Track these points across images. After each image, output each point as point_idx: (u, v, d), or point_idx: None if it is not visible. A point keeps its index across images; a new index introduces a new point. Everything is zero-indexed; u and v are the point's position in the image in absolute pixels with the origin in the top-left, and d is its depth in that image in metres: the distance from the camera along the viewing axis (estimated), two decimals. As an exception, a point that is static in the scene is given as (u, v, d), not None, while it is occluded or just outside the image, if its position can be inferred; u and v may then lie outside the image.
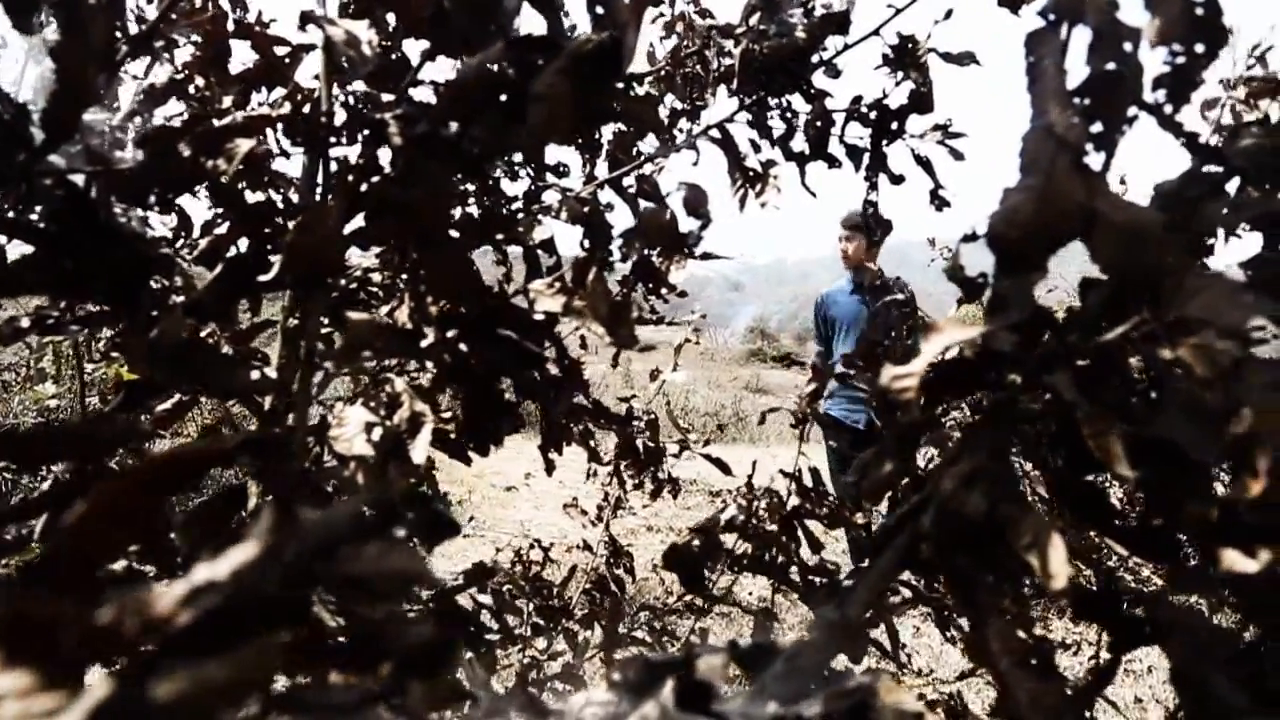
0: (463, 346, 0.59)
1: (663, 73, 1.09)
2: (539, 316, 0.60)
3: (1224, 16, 0.41)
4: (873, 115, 0.82)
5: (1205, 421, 0.38)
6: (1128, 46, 0.42)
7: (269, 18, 1.15)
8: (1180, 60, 0.41)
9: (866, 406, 4.09)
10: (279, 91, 0.78)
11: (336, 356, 0.55)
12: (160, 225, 1.16)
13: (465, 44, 0.54)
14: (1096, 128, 0.44)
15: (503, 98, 0.52)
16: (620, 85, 0.52)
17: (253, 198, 0.95)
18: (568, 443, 0.99)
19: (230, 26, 0.74)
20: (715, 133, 0.85)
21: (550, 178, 1.09)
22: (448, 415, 0.75)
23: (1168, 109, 0.42)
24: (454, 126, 0.55)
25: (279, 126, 0.59)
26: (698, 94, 1.03)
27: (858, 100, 0.90)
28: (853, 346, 4.28)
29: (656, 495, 1.27)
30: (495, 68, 0.53)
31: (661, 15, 1.30)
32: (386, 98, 0.58)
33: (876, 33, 0.82)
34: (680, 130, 1.12)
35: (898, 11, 0.83)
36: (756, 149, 0.86)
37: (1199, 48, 0.41)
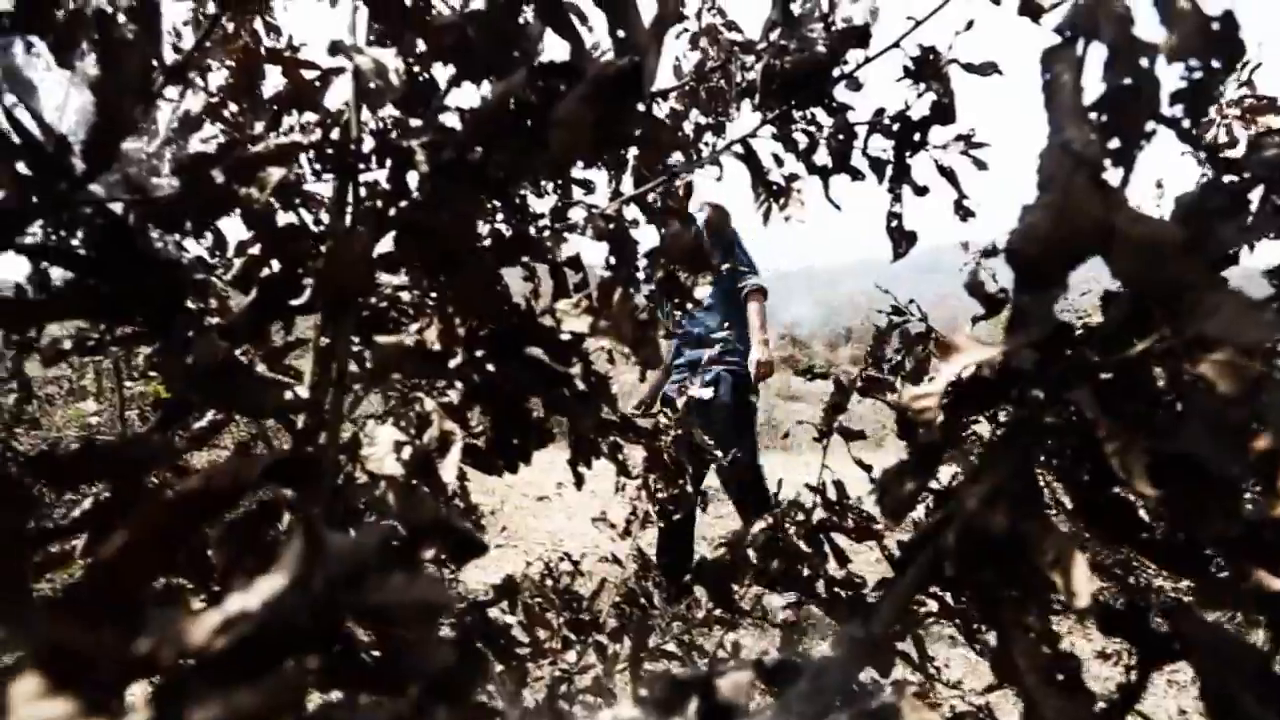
0: (490, 367, 0.60)
1: (687, 88, 1.10)
2: (565, 336, 0.61)
3: (1240, 31, 0.41)
4: (895, 127, 0.83)
5: (1229, 437, 0.38)
6: (1144, 62, 0.42)
7: (301, 41, 1.17)
8: (1197, 75, 0.41)
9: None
10: (310, 116, 0.80)
11: (364, 379, 0.56)
12: (197, 245, 1.19)
13: (489, 70, 0.55)
14: (1114, 143, 0.44)
15: (527, 122, 0.53)
16: (641, 108, 0.52)
17: (284, 218, 0.97)
18: (596, 456, 0.99)
19: (262, 53, 0.76)
20: (738, 148, 0.85)
21: (578, 194, 1.10)
22: (479, 430, 0.76)
23: (1185, 123, 0.42)
24: (478, 151, 0.56)
25: (309, 153, 0.61)
26: (722, 109, 1.04)
27: (880, 113, 0.90)
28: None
29: (680, 507, 1.27)
30: (520, 92, 0.54)
31: (686, 30, 1.32)
32: (415, 123, 0.59)
33: (897, 45, 0.82)
34: (705, 145, 1.12)
35: (918, 23, 0.83)
36: (779, 163, 0.87)
37: (1215, 63, 0.41)
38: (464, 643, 0.26)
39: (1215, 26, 0.41)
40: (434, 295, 0.59)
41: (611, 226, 0.79)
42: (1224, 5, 0.43)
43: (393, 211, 0.59)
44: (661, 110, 1.12)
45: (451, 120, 0.66)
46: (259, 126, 0.75)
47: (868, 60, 0.80)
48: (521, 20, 0.58)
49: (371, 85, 0.59)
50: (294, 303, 0.60)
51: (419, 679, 0.24)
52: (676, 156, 1.13)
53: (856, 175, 0.85)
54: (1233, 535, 0.37)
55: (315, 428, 0.73)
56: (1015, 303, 0.46)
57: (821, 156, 0.83)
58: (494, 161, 0.55)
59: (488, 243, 0.58)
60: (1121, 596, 0.49)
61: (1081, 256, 0.43)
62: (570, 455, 1.03)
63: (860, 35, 0.77)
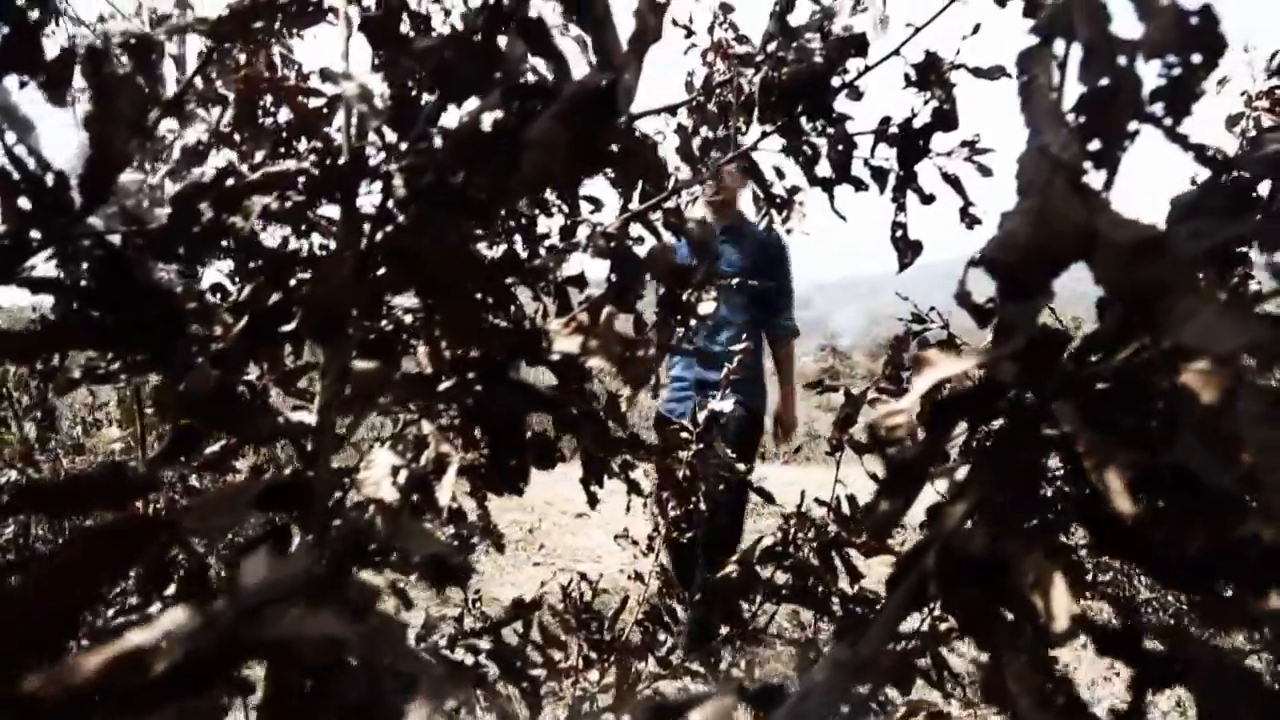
0: (480, 389, 0.59)
1: (695, 103, 1.09)
2: (555, 357, 0.60)
3: (1220, 25, 0.39)
4: (898, 135, 0.81)
5: (1220, 447, 0.36)
6: (1122, 60, 0.41)
7: (324, 68, 1.19)
8: (1176, 71, 0.40)
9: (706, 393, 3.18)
10: (314, 143, 0.81)
11: (342, 407, 0.56)
12: (217, 271, 1.21)
13: (470, 92, 0.55)
14: (1095, 145, 0.43)
15: (506, 144, 0.53)
16: (621, 127, 0.52)
17: (293, 244, 0.98)
18: (609, 475, 0.99)
19: (262, 83, 0.77)
20: (740, 161, 0.85)
21: (588, 209, 1.10)
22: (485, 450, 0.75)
23: (1168, 121, 0.41)
24: (460, 175, 0.56)
25: (301, 181, 0.61)
26: (732, 122, 1.03)
27: (886, 121, 0.89)
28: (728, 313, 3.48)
29: (692, 525, 1.26)
30: (500, 114, 0.54)
31: (695, 45, 1.31)
32: (405, 147, 0.60)
33: (897, 53, 0.81)
34: (715, 158, 1.12)
35: (917, 30, 0.82)
36: (781, 175, 0.86)
37: (1195, 58, 0.40)
38: (373, 679, 0.25)
39: (1194, 21, 0.39)
40: (422, 320, 0.59)
41: (613, 245, 0.78)
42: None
43: (380, 236, 0.59)
44: (670, 125, 1.12)
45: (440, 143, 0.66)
46: (259, 156, 0.76)
47: (868, 69, 0.79)
48: (502, 41, 0.58)
49: (356, 111, 0.60)
50: (285, 329, 0.60)
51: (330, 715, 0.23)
52: (686, 171, 1.12)
53: (860, 186, 0.83)
54: (1222, 551, 0.35)
55: (320, 451, 0.73)
56: (1000, 312, 0.45)
57: (824, 168, 0.82)
58: (474, 184, 0.55)
59: (474, 267, 0.58)
60: (1125, 617, 0.47)
61: (1063, 263, 0.42)
62: (582, 474, 1.03)
63: (858, 44, 0.76)
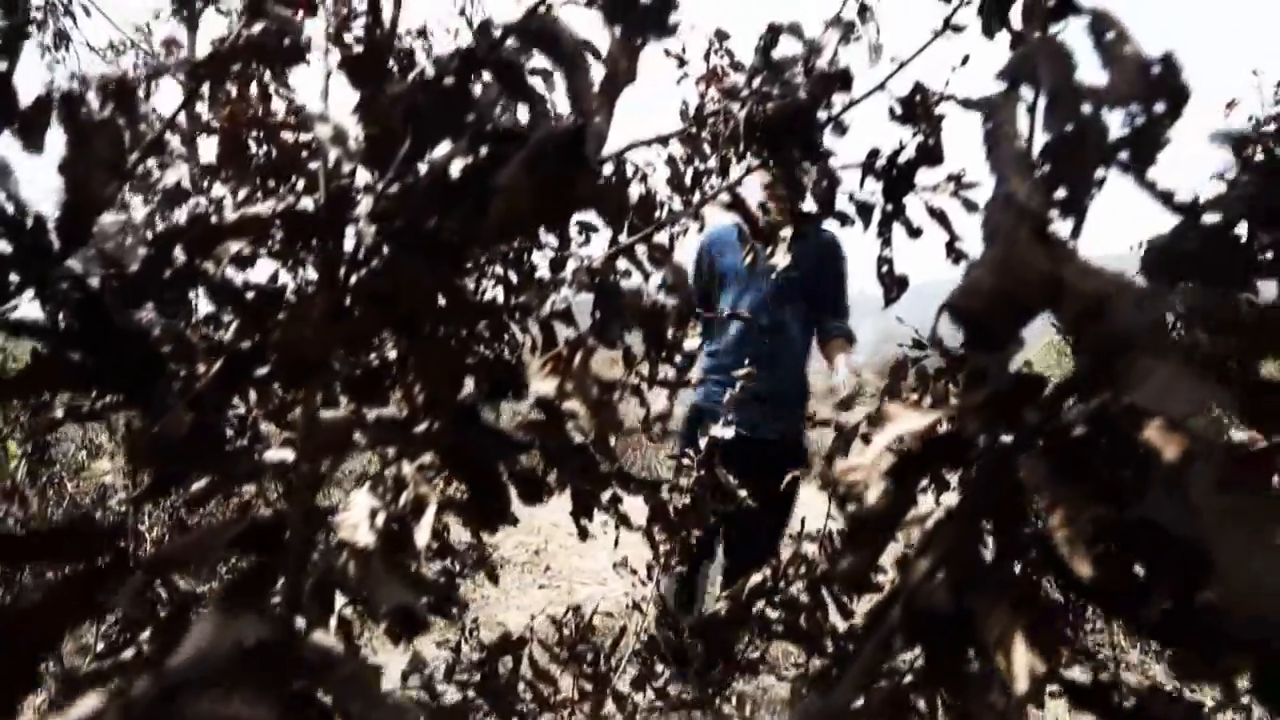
0: (456, 431, 0.59)
1: (687, 133, 1.09)
2: (530, 399, 0.60)
3: (1182, 75, 0.39)
4: (884, 170, 0.81)
5: (1183, 506, 0.36)
6: (1087, 107, 0.41)
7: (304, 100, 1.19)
8: (1140, 120, 0.39)
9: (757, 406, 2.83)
10: (297, 181, 0.81)
11: (306, 454, 0.56)
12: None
13: (440, 137, 0.55)
14: (1062, 193, 0.42)
15: (478, 188, 0.53)
16: (592, 171, 0.52)
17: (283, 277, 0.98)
18: (599, 509, 0.98)
19: (245, 121, 0.78)
20: (725, 196, 0.85)
21: (579, 240, 1.10)
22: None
23: (1136, 168, 0.40)
24: (434, 218, 0.56)
25: (278, 223, 0.61)
26: (723, 153, 1.03)
27: (875, 154, 0.89)
28: (749, 307, 2.98)
29: (684, 561, 1.25)
30: (471, 159, 0.54)
31: (686, 75, 1.32)
32: (384, 188, 0.60)
33: (882, 87, 0.81)
34: (711, 188, 1.12)
35: (902, 65, 0.82)
36: (766, 210, 0.86)
37: (1159, 107, 0.39)
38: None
39: (1156, 70, 0.39)
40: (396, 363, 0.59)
41: (596, 279, 0.78)
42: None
43: (356, 278, 0.59)
44: (662, 156, 1.12)
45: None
46: (242, 194, 0.77)
47: (853, 103, 0.79)
48: (479, 84, 0.58)
49: (331, 154, 0.60)
50: (259, 371, 0.60)
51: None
52: (676, 204, 1.12)
53: (845, 220, 0.83)
54: (1186, 609, 0.35)
55: (304, 489, 0.73)
56: (970, 361, 0.44)
57: (809, 203, 0.82)
58: (447, 228, 0.55)
59: (447, 310, 0.58)
60: (1096, 672, 0.47)
61: (1030, 312, 0.41)
62: (571, 508, 1.02)
63: (842, 79, 0.76)
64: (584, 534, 1.03)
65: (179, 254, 0.56)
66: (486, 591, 4.92)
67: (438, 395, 0.57)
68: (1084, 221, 0.42)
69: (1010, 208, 0.41)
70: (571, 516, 1.03)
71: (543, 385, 0.60)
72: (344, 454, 0.57)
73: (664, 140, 1.14)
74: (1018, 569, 0.44)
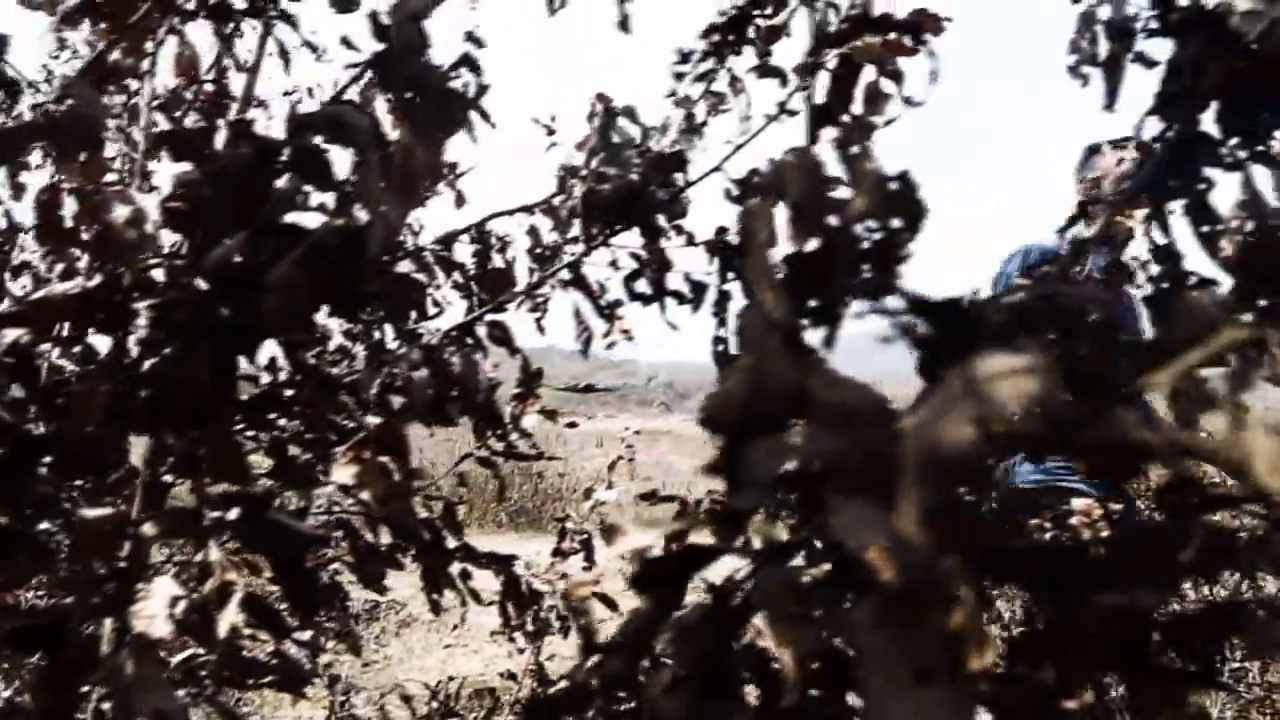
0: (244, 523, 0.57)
1: (547, 205, 1.10)
2: (329, 486, 0.58)
3: (918, 192, 0.40)
4: (718, 249, 0.82)
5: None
6: (833, 220, 0.42)
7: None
8: (879, 235, 0.41)
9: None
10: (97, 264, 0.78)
11: (74, 555, 0.53)
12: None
13: (224, 231, 0.53)
14: (814, 303, 0.43)
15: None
16: (379, 266, 0.51)
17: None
18: (448, 585, 0.96)
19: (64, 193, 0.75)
20: (566, 274, 0.85)
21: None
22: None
23: (877, 281, 0.41)
24: (222, 308, 0.54)
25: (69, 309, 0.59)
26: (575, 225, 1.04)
27: (723, 231, 0.90)
28: None
29: (539, 636, 1.23)
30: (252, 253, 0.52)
31: (556, 144, 1.33)
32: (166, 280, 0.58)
33: (719, 169, 0.83)
34: (569, 256, 1.12)
35: (738, 148, 0.84)
36: (603, 290, 0.86)
37: (896, 222, 0.41)
38: None
39: (894, 187, 0.41)
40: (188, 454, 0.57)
41: (432, 357, 0.77)
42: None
43: (145, 367, 0.57)
44: (524, 225, 1.12)
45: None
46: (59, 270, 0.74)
47: (689, 185, 0.81)
48: (276, 174, 0.57)
49: (127, 237, 0.58)
50: (45, 461, 0.57)
51: None
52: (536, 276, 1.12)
53: (682, 300, 0.84)
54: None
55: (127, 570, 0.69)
56: (723, 471, 0.45)
57: (644, 283, 0.83)
58: (238, 317, 0.54)
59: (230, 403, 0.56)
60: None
61: (781, 422, 0.42)
62: (423, 583, 1.00)
63: (677, 162, 0.78)
64: (436, 608, 1.00)
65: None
66: (390, 651, 4.76)
67: (228, 486, 0.55)
68: (837, 330, 0.43)
69: (760, 318, 0.42)
70: (424, 592, 1.00)
71: (341, 474, 0.58)
72: (113, 553, 0.54)
73: (529, 209, 1.14)
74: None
